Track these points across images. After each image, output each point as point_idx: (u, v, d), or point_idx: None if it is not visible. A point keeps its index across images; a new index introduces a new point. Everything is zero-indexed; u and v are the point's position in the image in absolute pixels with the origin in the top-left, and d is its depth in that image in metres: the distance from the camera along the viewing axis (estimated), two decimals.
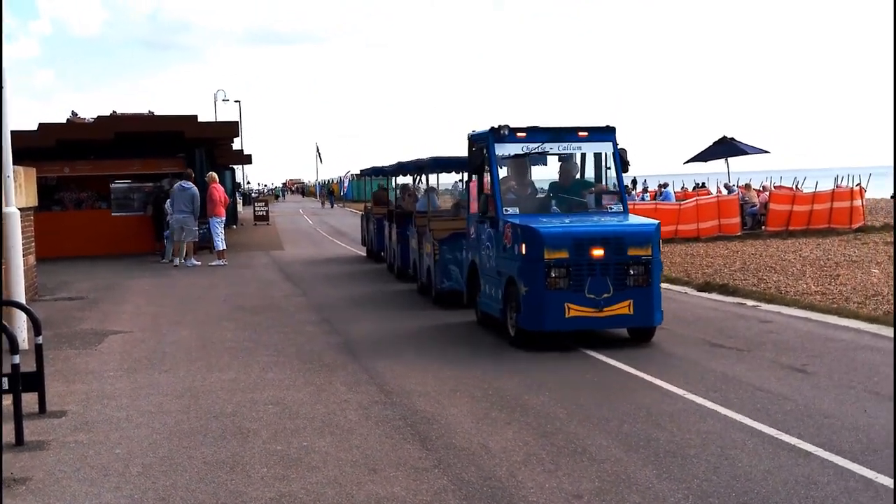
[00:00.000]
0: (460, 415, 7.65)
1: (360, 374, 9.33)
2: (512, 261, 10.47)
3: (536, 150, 11.42)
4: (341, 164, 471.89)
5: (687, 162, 32.23)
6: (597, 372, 9.21)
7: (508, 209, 11.02)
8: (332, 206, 65.88)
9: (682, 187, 40.64)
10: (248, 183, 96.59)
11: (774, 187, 30.32)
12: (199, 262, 21.65)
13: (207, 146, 28.86)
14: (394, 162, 20.52)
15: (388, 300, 15.28)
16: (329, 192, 74.27)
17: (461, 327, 12.18)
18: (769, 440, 6.70)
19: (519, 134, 11.32)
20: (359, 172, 24.05)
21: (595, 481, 5.92)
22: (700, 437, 6.82)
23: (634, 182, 40.82)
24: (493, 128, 11.30)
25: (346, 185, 79.93)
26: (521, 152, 11.47)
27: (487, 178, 11.50)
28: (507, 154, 11.47)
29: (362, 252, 24.81)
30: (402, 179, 21.66)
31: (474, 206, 12.22)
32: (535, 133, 11.38)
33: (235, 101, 65.64)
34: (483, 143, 11.41)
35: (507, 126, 11.25)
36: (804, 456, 6.31)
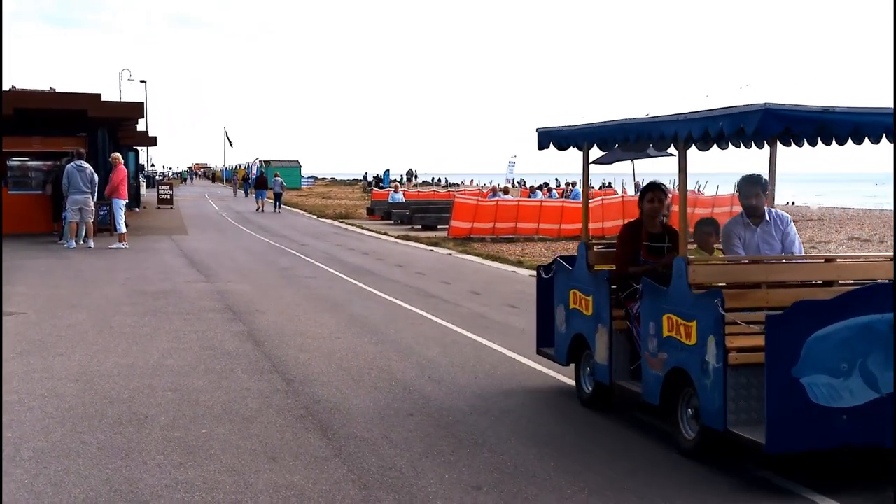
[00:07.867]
0: (362, 405, 7.64)
1: (262, 363, 9.23)
2: None
3: None
4: (250, 151, 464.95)
5: (593, 162, 32.50)
6: (496, 361, 9.30)
7: None
8: (246, 195, 62.86)
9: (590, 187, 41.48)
10: (153, 165, 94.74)
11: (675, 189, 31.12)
12: (93, 245, 21.09)
13: (111, 126, 28.17)
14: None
15: None
16: (244, 179, 71.13)
17: None
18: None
19: None
20: (539, 134, 8.32)
21: (494, 473, 5.98)
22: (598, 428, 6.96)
23: (547, 183, 41.37)
24: None
25: (254, 171, 78.72)
26: None
27: None
28: None
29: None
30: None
31: None
32: None
33: (141, 82, 64.48)
34: None
35: None
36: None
